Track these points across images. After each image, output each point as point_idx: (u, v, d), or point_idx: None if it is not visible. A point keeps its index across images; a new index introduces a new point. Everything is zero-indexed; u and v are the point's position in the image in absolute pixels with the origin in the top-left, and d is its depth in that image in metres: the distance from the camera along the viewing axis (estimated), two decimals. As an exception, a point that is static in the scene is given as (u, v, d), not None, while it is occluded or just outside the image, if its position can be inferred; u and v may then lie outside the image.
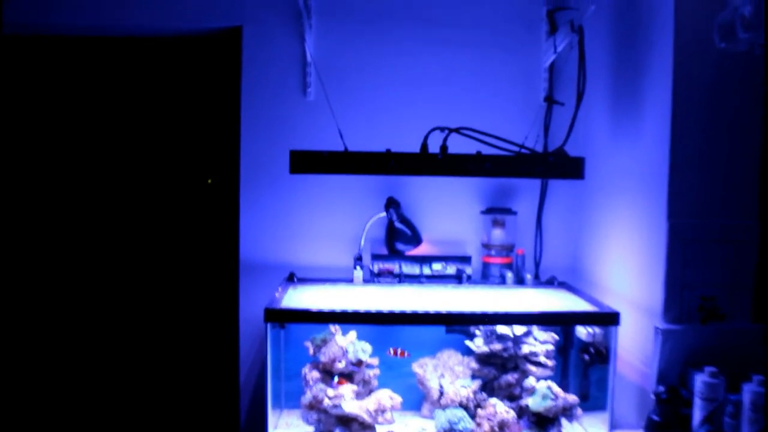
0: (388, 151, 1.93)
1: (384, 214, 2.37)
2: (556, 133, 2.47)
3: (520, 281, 2.35)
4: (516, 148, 2.05)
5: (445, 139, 2.01)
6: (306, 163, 1.88)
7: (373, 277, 2.32)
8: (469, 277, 2.34)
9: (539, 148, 2.43)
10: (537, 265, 2.51)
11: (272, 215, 2.46)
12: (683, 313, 1.80)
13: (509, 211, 2.42)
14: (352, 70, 2.44)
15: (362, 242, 2.37)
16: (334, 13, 2.42)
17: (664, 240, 1.80)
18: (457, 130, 2.03)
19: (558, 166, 1.97)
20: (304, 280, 2.32)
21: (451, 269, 2.37)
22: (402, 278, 2.31)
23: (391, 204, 2.36)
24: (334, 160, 1.88)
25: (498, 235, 2.42)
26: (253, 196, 2.45)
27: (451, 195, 2.49)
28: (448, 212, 2.50)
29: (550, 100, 2.47)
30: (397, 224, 2.37)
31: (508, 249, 2.41)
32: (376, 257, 2.35)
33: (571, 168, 1.97)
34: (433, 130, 2.03)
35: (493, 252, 2.40)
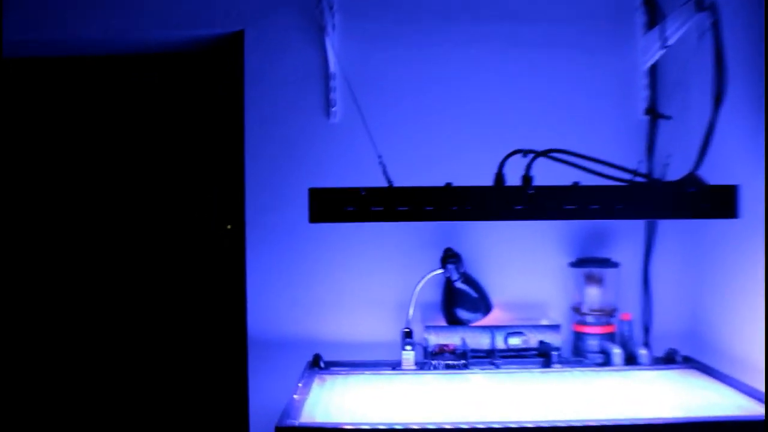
0: (449, 185, 1.34)
1: (440, 271, 1.76)
2: (663, 154, 1.85)
3: (631, 359, 1.70)
4: (617, 178, 1.44)
5: (529, 166, 1.41)
6: (333, 205, 1.29)
7: (427, 359, 1.69)
8: (559, 355, 1.70)
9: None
10: (646, 333, 1.86)
11: (288, 275, 1.86)
12: None
13: (609, 263, 1.79)
14: (391, 81, 1.86)
15: (411, 310, 1.76)
16: (366, 8, 1.85)
17: None
18: (547, 154, 1.43)
19: (699, 200, 1.34)
20: (333, 365, 1.69)
21: (533, 340, 1.73)
22: (468, 359, 1.68)
23: (450, 258, 1.75)
24: (374, 200, 1.28)
25: (595, 294, 1.78)
26: (263, 250, 1.86)
27: (526, 242, 1.87)
28: (522, 266, 1.88)
29: (654, 113, 1.86)
30: (459, 285, 1.75)
31: (608, 314, 1.77)
32: (431, 329, 1.73)
33: (720, 201, 1.35)
34: (513, 154, 1.44)
35: (589, 319, 1.77)
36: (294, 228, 1.85)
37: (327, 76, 1.83)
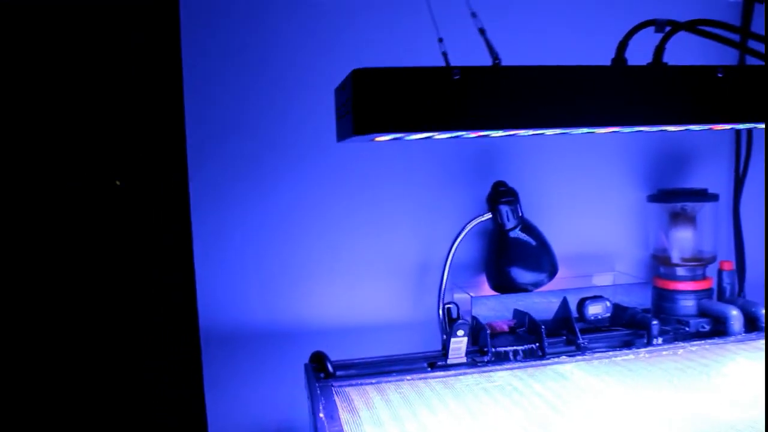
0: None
1: (487, 216, 1.21)
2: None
3: (749, 324, 1.24)
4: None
5: (662, 46, 0.88)
6: (403, 100, 0.69)
7: (486, 346, 1.15)
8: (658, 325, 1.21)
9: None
10: (741, 282, 1.43)
11: (257, 232, 1.25)
12: None
13: (705, 195, 1.31)
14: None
15: (445, 276, 1.20)
16: None
17: None
18: (695, 27, 0.90)
19: None
20: (342, 368, 1.11)
21: (611, 303, 1.23)
22: (544, 341, 1.15)
23: (504, 196, 1.20)
24: (477, 90, 0.70)
25: (686, 238, 1.31)
26: (216, 197, 1.23)
27: (584, 170, 1.37)
28: (580, 203, 1.37)
29: (750, -9, 1.38)
30: (516, 234, 1.22)
31: (704, 263, 1.31)
32: (480, 301, 1.19)
33: None
34: (642, 27, 0.90)
35: (680, 271, 1.29)
36: (262, 159, 1.22)
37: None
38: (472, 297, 1.19)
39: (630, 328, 1.22)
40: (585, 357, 1.12)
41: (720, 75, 0.79)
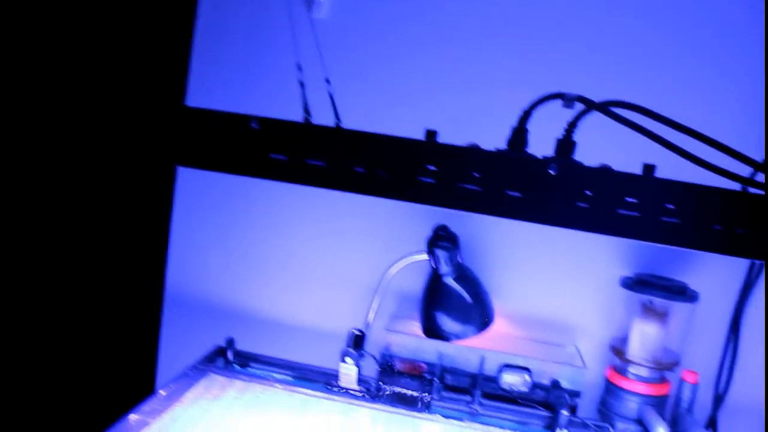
0: (432, 136, 0.78)
1: (425, 257, 1.21)
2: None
3: (685, 445, 1.12)
4: (724, 172, 0.82)
5: (573, 124, 0.84)
6: (202, 142, 0.76)
7: (381, 379, 1.18)
8: (571, 417, 1.14)
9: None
10: (719, 400, 1.27)
11: (227, 227, 1.37)
12: None
13: (683, 293, 1.18)
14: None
15: (375, 304, 1.22)
16: None
17: None
18: (607, 107, 0.84)
19: None
20: (248, 359, 1.20)
21: (546, 375, 1.18)
22: (435, 393, 1.15)
23: (441, 241, 1.19)
24: (273, 144, 0.74)
25: (651, 334, 1.19)
26: (197, 191, 1.37)
27: (562, 235, 1.29)
28: (549, 268, 1.30)
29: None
30: (448, 281, 1.20)
31: (665, 367, 1.18)
32: (395, 335, 1.21)
33: None
34: (549, 99, 0.87)
35: (633, 369, 1.18)
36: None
37: (314, -55, 1.25)
38: (387, 327, 1.21)
39: (547, 410, 1.16)
40: (464, 425, 1.09)
41: (552, 171, 0.74)
